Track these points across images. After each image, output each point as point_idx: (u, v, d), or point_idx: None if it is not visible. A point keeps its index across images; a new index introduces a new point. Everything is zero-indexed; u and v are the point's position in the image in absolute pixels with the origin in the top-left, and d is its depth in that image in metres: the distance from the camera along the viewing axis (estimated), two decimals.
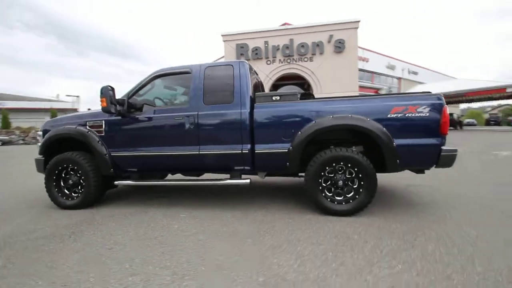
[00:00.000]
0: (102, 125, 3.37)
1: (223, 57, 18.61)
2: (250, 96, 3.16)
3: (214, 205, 3.45)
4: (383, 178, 4.34)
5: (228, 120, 3.09)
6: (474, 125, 36.96)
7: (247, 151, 3.04)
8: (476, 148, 9.41)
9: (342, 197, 2.90)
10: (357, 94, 14.67)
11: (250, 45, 16.29)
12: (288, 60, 16.25)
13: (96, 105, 5.70)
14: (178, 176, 3.98)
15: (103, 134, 3.36)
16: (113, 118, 3.35)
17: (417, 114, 2.76)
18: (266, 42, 16.05)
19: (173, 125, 3.21)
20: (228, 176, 3.29)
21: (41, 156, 3.61)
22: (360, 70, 20.49)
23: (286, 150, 2.96)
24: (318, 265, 1.90)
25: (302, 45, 15.76)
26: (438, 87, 24.45)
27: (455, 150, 2.82)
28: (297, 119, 2.96)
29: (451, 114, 22.98)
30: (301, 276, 1.77)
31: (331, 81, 14.70)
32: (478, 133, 18.49)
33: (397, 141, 2.76)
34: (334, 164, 2.87)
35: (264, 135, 3.04)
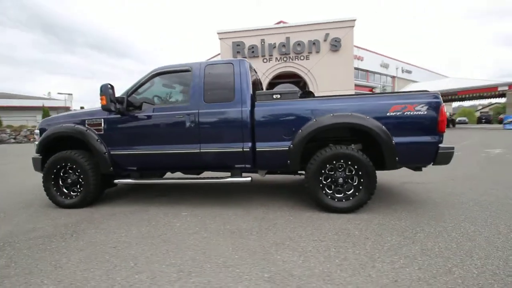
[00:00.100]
0: (101, 124, 3.34)
1: (218, 54, 18.53)
2: (251, 94, 3.17)
3: (215, 203, 3.46)
4: (379, 176, 4.38)
5: (229, 118, 3.10)
6: (466, 123, 37.62)
7: (248, 149, 3.06)
8: (469, 145, 9.60)
9: (342, 194, 2.95)
10: (354, 93, 14.80)
11: (246, 43, 16.26)
12: (285, 58, 16.29)
13: (88, 103, 5.65)
14: (178, 174, 3.98)
15: (102, 133, 3.34)
16: (112, 116, 3.32)
17: (415, 113, 2.82)
18: (262, 40, 16.05)
19: (174, 123, 3.21)
20: (228, 174, 3.30)
21: (39, 154, 3.56)
22: (355, 68, 20.66)
23: (287, 148, 2.98)
24: (322, 261, 1.94)
25: (299, 44, 15.81)
26: (432, 86, 24.80)
27: (452, 148, 2.89)
28: (298, 117, 2.99)
29: None
30: (307, 271, 1.81)
31: (327, 79, 14.81)
32: (470, 131, 18.85)
33: (396, 139, 2.81)
34: (334, 162, 2.91)
35: (265, 133, 3.06)
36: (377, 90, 27.92)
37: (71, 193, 3.44)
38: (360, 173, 2.86)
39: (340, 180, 2.93)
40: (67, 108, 33.99)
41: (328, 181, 2.97)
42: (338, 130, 3.17)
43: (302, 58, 15.97)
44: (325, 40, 15.55)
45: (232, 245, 2.25)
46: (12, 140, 21.34)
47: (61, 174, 3.45)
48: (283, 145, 2.99)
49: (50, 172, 3.40)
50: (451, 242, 2.18)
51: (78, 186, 3.42)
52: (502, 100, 28.61)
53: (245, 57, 16.12)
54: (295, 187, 4.29)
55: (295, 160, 2.96)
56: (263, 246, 2.22)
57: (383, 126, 2.81)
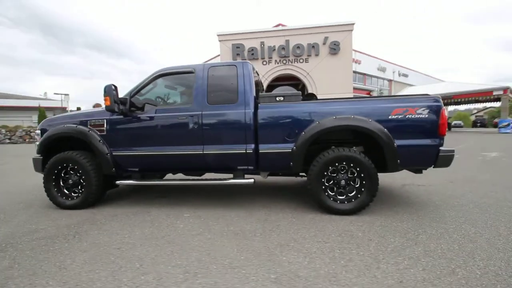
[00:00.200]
0: (103, 124, 3.34)
1: (218, 56, 18.56)
2: (254, 96, 3.19)
3: (217, 204, 3.47)
4: (380, 178, 4.42)
5: (232, 120, 3.12)
6: (461, 126, 38.06)
7: (251, 151, 3.07)
8: (465, 149, 9.71)
9: (344, 196, 2.97)
10: (353, 96, 14.92)
11: (246, 46, 16.35)
12: (284, 61, 16.40)
13: (86, 104, 5.64)
14: (179, 175, 3.97)
15: (104, 133, 3.33)
16: (115, 117, 3.32)
17: (416, 116, 2.86)
18: (262, 43, 16.15)
19: (177, 125, 3.21)
20: (231, 175, 3.31)
21: (39, 155, 3.54)
22: (353, 72, 20.79)
23: (290, 150, 3.00)
24: (327, 262, 1.95)
25: (298, 46, 15.94)
26: (428, 90, 25.09)
27: (453, 151, 2.93)
28: (301, 119, 3.01)
29: None
30: (313, 272, 1.82)
31: (326, 82, 14.93)
32: (466, 135, 19.07)
33: (397, 142, 2.85)
34: (337, 164, 2.94)
35: (268, 135, 3.08)
36: (374, 94, 28.17)
37: (72, 194, 3.42)
38: (362, 175, 2.89)
39: (343, 182, 2.95)
40: (63, 109, 33.72)
41: (330, 183, 3.00)
42: (340, 132, 3.19)
43: (301, 61, 16.09)
44: (324, 44, 15.70)
45: (236, 246, 2.25)
46: (7, 141, 21.11)
47: (62, 175, 3.43)
48: (286, 147, 3.02)
49: (51, 173, 3.38)
50: (453, 244, 2.21)
51: (79, 187, 3.40)
52: (497, 104, 29.03)
53: (245, 59, 16.21)
54: (296, 189, 4.31)
55: (298, 162, 2.99)
56: (267, 247, 2.23)
57: (385, 129, 2.84)
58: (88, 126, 3.36)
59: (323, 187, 2.97)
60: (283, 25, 19.07)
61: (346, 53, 15.69)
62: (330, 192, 2.99)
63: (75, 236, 2.56)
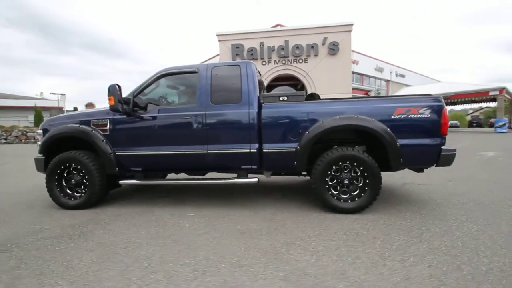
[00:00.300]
0: (106, 124, 3.33)
1: (217, 55, 18.54)
2: (258, 96, 3.21)
3: (221, 203, 3.48)
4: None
5: (236, 120, 3.13)
6: (457, 126, 38.41)
7: (255, 150, 3.09)
8: (462, 148, 9.82)
9: (348, 195, 3.00)
10: (352, 96, 15.00)
11: (245, 46, 16.37)
12: (283, 61, 16.45)
13: (82, 104, 5.61)
14: (182, 175, 3.97)
15: (107, 133, 3.32)
16: (118, 116, 3.32)
17: (419, 115, 2.89)
18: (261, 43, 16.18)
19: (180, 124, 3.22)
20: (234, 175, 3.32)
21: (41, 155, 3.53)
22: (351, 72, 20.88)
23: (294, 150, 3.02)
24: (334, 260, 1.97)
25: (297, 47, 16.00)
26: (425, 90, 25.29)
27: (454, 150, 2.97)
28: (305, 119, 3.04)
29: None
30: (321, 270, 1.84)
31: (325, 82, 15.00)
32: (462, 134, 19.25)
33: (400, 141, 2.88)
34: (340, 163, 2.96)
35: (272, 134, 3.09)
36: (372, 94, 28.32)
37: (75, 194, 3.41)
38: (365, 174, 2.92)
39: (346, 181, 2.98)
40: (60, 109, 33.45)
41: (334, 182, 3.02)
42: (343, 132, 3.22)
43: (300, 61, 16.16)
44: (323, 44, 15.79)
45: (243, 245, 2.27)
46: (3, 141, 20.89)
47: (65, 175, 3.42)
48: (290, 147, 3.03)
49: (53, 173, 3.37)
50: (456, 241, 2.24)
51: (82, 187, 3.39)
52: (492, 104, 29.36)
53: (244, 59, 16.24)
54: (299, 188, 4.33)
55: (302, 162, 3.00)
56: (274, 246, 2.24)
57: (388, 129, 2.87)
58: (91, 126, 3.35)
59: (327, 186, 3.00)
60: (281, 25, 19.11)
61: (345, 53, 15.79)
62: (333, 191, 3.01)
63: (80, 236, 2.55)
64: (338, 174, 3.00)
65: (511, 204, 3.19)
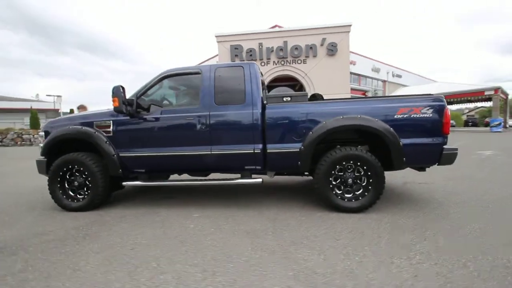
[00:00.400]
0: (110, 125, 3.32)
1: (216, 56, 18.53)
2: (261, 97, 3.22)
3: (225, 204, 3.48)
4: None
5: (240, 120, 3.14)
6: (453, 126, 38.75)
7: (259, 151, 3.10)
8: (460, 148, 9.90)
9: (351, 194, 3.02)
10: (350, 96, 15.09)
11: (244, 47, 16.39)
12: (282, 62, 16.51)
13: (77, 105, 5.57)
14: (185, 176, 3.97)
15: (111, 135, 3.32)
16: (121, 118, 3.31)
17: (421, 115, 2.93)
18: (260, 44, 16.22)
19: (184, 125, 3.22)
20: (237, 175, 3.34)
21: (43, 157, 3.50)
22: None
23: (298, 150, 3.04)
24: (342, 259, 1.99)
25: (296, 48, 16.08)
26: (421, 90, 25.50)
27: (456, 149, 3.01)
28: (309, 119, 3.06)
29: None
30: (329, 269, 1.86)
31: (324, 83, 15.08)
32: (458, 134, 19.44)
33: (403, 141, 2.91)
34: (344, 163, 2.98)
35: (276, 135, 3.11)
36: (369, 94, 28.49)
37: (78, 196, 3.39)
38: (369, 173, 2.95)
39: (350, 180, 3.00)
40: (56, 111, 33.16)
41: (337, 181, 3.04)
42: (345, 132, 3.25)
43: (299, 62, 16.24)
44: (321, 45, 15.89)
45: (250, 245, 2.28)
46: None
47: (67, 176, 3.40)
48: (294, 147, 3.05)
49: (56, 175, 3.34)
50: (460, 239, 2.27)
51: (85, 189, 3.37)
52: (487, 104, 29.67)
53: (243, 60, 16.27)
54: (301, 188, 4.34)
55: (306, 162, 3.02)
56: (281, 245, 2.25)
57: (391, 128, 2.90)
58: (94, 128, 3.34)
59: (331, 186, 3.02)
60: (279, 27, 19.17)
61: (343, 54, 15.91)
62: (337, 191, 3.03)
63: (85, 237, 2.54)
64: (342, 173, 3.03)
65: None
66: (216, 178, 3.47)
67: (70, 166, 3.34)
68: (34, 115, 24.30)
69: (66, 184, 3.41)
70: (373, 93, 29.73)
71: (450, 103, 28.93)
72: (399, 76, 34.11)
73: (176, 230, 2.66)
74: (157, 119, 3.28)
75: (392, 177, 4.73)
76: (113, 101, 2.97)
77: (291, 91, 4.08)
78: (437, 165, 3.03)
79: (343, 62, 15.88)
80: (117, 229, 2.74)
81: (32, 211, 3.47)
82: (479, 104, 38.32)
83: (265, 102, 3.29)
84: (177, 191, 4.26)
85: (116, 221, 2.97)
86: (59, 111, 33.65)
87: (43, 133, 3.56)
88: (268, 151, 3.10)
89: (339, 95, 12.50)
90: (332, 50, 15.68)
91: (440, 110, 2.92)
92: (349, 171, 3.02)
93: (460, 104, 36.25)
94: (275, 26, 19.88)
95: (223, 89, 3.25)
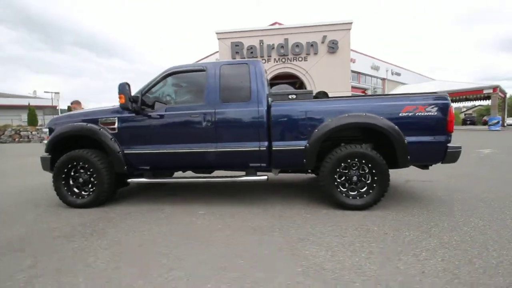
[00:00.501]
0: (115, 122, 3.32)
1: (216, 52, 18.43)
2: (266, 94, 3.23)
3: (230, 201, 3.50)
4: None
5: (246, 118, 3.15)
6: None
7: (264, 148, 3.11)
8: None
9: (356, 192, 3.05)
10: (351, 94, 15.13)
11: (245, 44, 16.31)
12: (283, 59, 16.46)
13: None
14: (189, 173, 3.97)
15: (116, 132, 3.31)
16: (126, 115, 3.31)
17: (426, 113, 2.95)
18: (261, 41, 16.13)
19: (189, 122, 3.23)
20: (242, 172, 3.35)
21: (47, 154, 3.50)
22: None
23: (303, 147, 3.05)
24: (349, 255, 2.02)
25: (297, 45, 16.02)
26: (420, 88, 25.57)
27: (460, 147, 3.04)
28: (314, 117, 3.07)
29: None
30: (338, 265, 1.88)
31: (325, 80, 15.06)
32: (457, 132, 19.50)
33: (408, 138, 2.93)
34: (349, 161, 3.00)
35: (281, 132, 3.12)
36: (369, 92, 28.54)
37: (83, 192, 3.39)
38: (374, 171, 2.97)
39: (354, 178, 3.02)
40: (53, 107, 32.95)
41: (342, 179, 3.07)
42: (351, 130, 3.26)
43: (300, 59, 16.19)
44: (322, 42, 15.85)
45: (258, 241, 2.30)
46: None
47: (72, 173, 3.40)
48: (299, 144, 3.06)
49: (61, 172, 3.35)
50: (465, 236, 2.30)
51: (90, 185, 3.37)
52: (485, 102, 29.81)
53: (244, 58, 16.18)
54: (305, 185, 4.37)
55: (312, 159, 3.04)
56: (288, 242, 2.28)
57: (396, 126, 2.92)
58: (99, 124, 3.33)
59: (336, 183, 3.04)
60: (279, 24, 19.09)
61: (344, 51, 15.88)
62: (342, 188, 3.06)
63: (92, 234, 2.55)
64: (347, 171, 3.05)
65: None
66: (221, 175, 3.49)
67: (75, 163, 3.34)
68: (32, 112, 24.13)
69: (71, 181, 3.41)
70: (373, 91, 29.79)
71: None
72: (398, 74, 34.20)
73: (182, 227, 2.67)
74: (162, 116, 3.28)
75: (394, 175, 4.75)
76: (119, 98, 2.96)
77: (291, 89, 4.09)
78: (441, 163, 3.06)
79: (344, 59, 15.86)
80: (123, 225, 2.75)
81: (37, 208, 3.47)
82: (477, 103, 38.50)
83: (270, 99, 3.29)
84: (179, 188, 4.27)
85: (122, 218, 2.98)
86: (57, 107, 33.46)
87: (47, 130, 3.55)
88: (273, 148, 3.11)
89: (340, 92, 12.49)
90: (333, 47, 15.65)
91: (444, 108, 2.94)
92: (354, 168, 3.04)
93: (458, 103, 36.44)
94: (275, 23, 19.80)
95: (229, 87, 3.25)
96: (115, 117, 3.32)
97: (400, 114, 2.96)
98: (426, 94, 3.11)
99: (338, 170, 3.03)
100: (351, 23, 15.94)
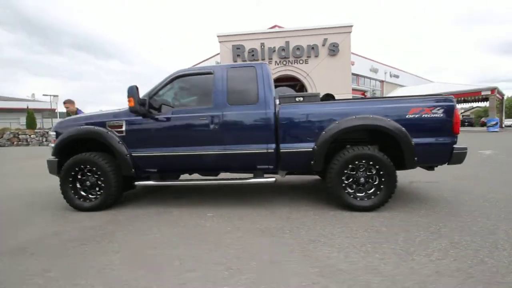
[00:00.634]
0: (122, 125, 3.33)
1: (217, 54, 18.49)
2: (273, 97, 3.26)
3: (237, 204, 3.51)
4: None
5: (253, 120, 3.17)
6: None
7: (272, 150, 3.13)
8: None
9: (364, 193, 3.07)
10: (352, 97, 15.19)
11: (246, 47, 16.43)
12: (284, 62, 16.59)
13: (76, 105, 5.53)
14: (195, 176, 3.98)
15: (123, 134, 3.32)
16: (134, 118, 3.32)
17: (432, 115, 2.99)
18: (262, 44, 16.27)
19: (197, 125, 3.25)
20: (250, 175, 3.36)
21: (54, 157, 3.50)
22: None
23: (311, 149, 3.08)
24: (363, 256, 2.03)
25: (298, 48, 16.17)
26: (419, 90, 25.75)
27: (465, 148, 3.08)
28: (322, 119, 3.09)
29: None
30: (352, 265, 1.89)
31: (325, 83, 15.18)
32: None
33: (415, 140, 2.96)
34: (356, 162, 3.03)
35: (289, 134, 3.14)
36: (368, 94, 28.68)
37: (90, 196, 3.39)
38: (381, 173, 2.99)
39: (362, 179, 3.05)
40: (52, 110, 32.87)
41: (349, 180, 3.09)
42: (357, 132, 3.29)
43: (301, 62, 16.34)
44: (323, 45, 16.01)
45: (269, 243, 2.31)
46: None
47: (79, 176, 3.40)
48: (307, 147, 3.09)
49: (68, 175, 3.34)
50: (475, 236, 2.32)
51: (97, 188, 3.37)
52: (483, 104, 30.03)
53: (245, 60, 16.26)
54: (310, 187, 4.39)
55: (320, 161, 3.06)
56: (299, 243, 2.29)
57: (403, 128, 2.95)
58: (107, 127, 3.34)
59: (343, 185, 3.06)
60: (279, 27, 19.24)
61: (344, 54, 16.04)
62: (349, 190, 3.08)
63: (103, 237, 2.55)
64: (354, 173, 3.07)
65: None
66: (228, 177, 3.50)
67: (82, 166, 3.34)
68: (30, 115, 24.06)
69: (78, 184, 3.41)
70: (372, 93, 29.94)
71: None
72: (396, 76, 34.39)
73: (192, 229, 2.68)
74: (169, 119, 3.30)
75: (398, 177, 4.76)
76: (129, 101, 2.98)
77: (292, 91, 4.11)
78: (447, 164, 3.09)
79: (344, 62, 16.02)
80: (132, 228, 2.75)
81: (44, 211, 3.46)
82: (474, 104, 38.79)
83: (277, 101, 3.32)
84: (185, 191, 4.28)
85: (131, 221, 2.98)
86: (56, 111, 33.37)
87: (54, 133, 3.55)
88: (281, 150, 3.13)
89: (341, 95, 12.57)
90: (333, 50, 15.80)
91: (450, 110, 2.98)
92: (361, 170, 3.06)
93: (457, 104, 36.66)
94: (275, 26, 19.97)
95: (236, 89, 3.28)
96: (122, 120, 3.33)
97: (407, 116, 3.00)
98: (432, 96, 3.15)
99: (345, 171, 3.05)
100: (352, 26, 16.11)
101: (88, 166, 3.34)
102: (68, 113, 5.42)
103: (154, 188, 4.48)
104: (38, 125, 24.45)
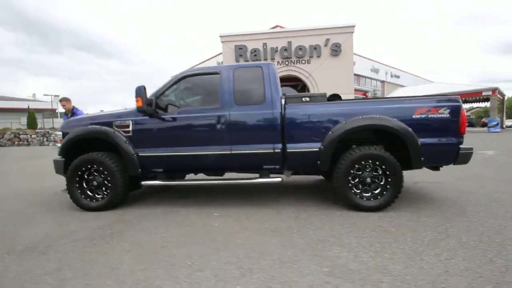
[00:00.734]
0: (129, 125, 3.34)
1: (219, 54, 18.51)
2: (280, 97, 3.27)
3: (243, 203, 3.52)
4: None
5: (260, 120, 3.19)
6: None
7: (278, 151, 3.15)
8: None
9: (370, 193, 3.08)
10: (354, 97, 15.21)
11: (248, 47, 16.45)
12: (286, 62, 16.61)
13: (76, 105, 5.49)
14: (201, 176, 4.00)
15: (130, 134, 3.34)
16: (140, 118, 3.33)
17: (438, 115, 3.00)
18: (264, 44, 16.29)
19: (204, 125, 3.26)
20: (256, 175, 3.37)
21: (61, 157, 3.51)
22: None
23: (317, 149, 3.09)
24: (372, 256, 2.04)
25: (300, 48, 16.19)
26: (420, 90, 25.76)
27: (471, 149, 3.09)
28: (328, 119, 3.11)
29: None
30: (362, 265, 1.91)
31: (328, 83, 15.20)
32: None
33: (421, 140, 2.97)
34: (363, 162, 3.04)
35: (296, 135, 3.15)
36: (369, 94, 28.71)
37: (96, 195, 3.40)
38: (387, 173, 3.00)
39: (368, 180, 3.06)
40: (53, 110, 32.89)
41: (356, 181, 3.10)
42: (363, 132, 3.30)
43: (303, 62, 16.38)
44: (325, 45, 16.04)
45: (279, 243, 2.32)
46: None
47: (86, 176, 3.41)
48: (314, 147, 3.10)
49: (74, 175, 3.36)
50: (482, 236, 2.34)
51: (104, 188, 3.39)
52: (483, 104, 30.06)
53: (247, 60, 16.28)
54: (315, 187, 4.40)
55: (326, 161, 3.07)
56: (309, 243, 2.30)
57: (409, 128, 2.97)
58: (114, 127, 3.35)
59: (350, 185, 3.07)
60: (281, 27, 19.28)
61: (347, 54, 16.07)
62: (356, 190, 3.09)
63: (112, 237, 2.57)
64: (360, 173, 3.08)
65: None
66: (234, 177, 3.51)
67: (89, 166, 3.35)
68: (31, 115, 24.08)
69: (84, 184, 3.43)
70: (373, 94, 29.95)
71: None
72: (397, 76, 34.43)
73: (201, 228, 2.69)
74: (176, 118, 3.31)
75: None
76: (137, 101, 3.00)
77: (294, 91, 4.11)
78: (453, 164, 3.10)
79: (346, 62, 16.04)
80: (140, 228, 2.77)
81: (50, 211, 3.48)
82: (475, 105, 38.82)
83: (283, 102, 3.34)
84: (191, 191, 4.29)
85: (138, 220, 2.99)
86: (56, 111, 33.38)
87: (60, 133, 3.57)
88: (287, 150, 3.14)
89: (343, 95, 12.62)
90: (336, 50, 15.83)
91: (456, 110, 3.00)
92: (367, 170, 3.08)
93: None
94: (276, 26, 20.00)
95: (243, 89, 3.29)
96: (129, 120, 3.34)
97: (413, 116, 3.01)
98: (438, 96, 3.16)
99: (352, 171, 3.06)
100: (354, 26, 16.13)
101: (95, 166, 3.35)
102: (66, 112, 5.36)
103: (160, 188, 4.50)
104: (39, 125, 24.47)
